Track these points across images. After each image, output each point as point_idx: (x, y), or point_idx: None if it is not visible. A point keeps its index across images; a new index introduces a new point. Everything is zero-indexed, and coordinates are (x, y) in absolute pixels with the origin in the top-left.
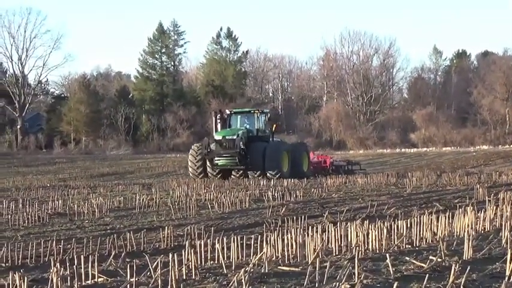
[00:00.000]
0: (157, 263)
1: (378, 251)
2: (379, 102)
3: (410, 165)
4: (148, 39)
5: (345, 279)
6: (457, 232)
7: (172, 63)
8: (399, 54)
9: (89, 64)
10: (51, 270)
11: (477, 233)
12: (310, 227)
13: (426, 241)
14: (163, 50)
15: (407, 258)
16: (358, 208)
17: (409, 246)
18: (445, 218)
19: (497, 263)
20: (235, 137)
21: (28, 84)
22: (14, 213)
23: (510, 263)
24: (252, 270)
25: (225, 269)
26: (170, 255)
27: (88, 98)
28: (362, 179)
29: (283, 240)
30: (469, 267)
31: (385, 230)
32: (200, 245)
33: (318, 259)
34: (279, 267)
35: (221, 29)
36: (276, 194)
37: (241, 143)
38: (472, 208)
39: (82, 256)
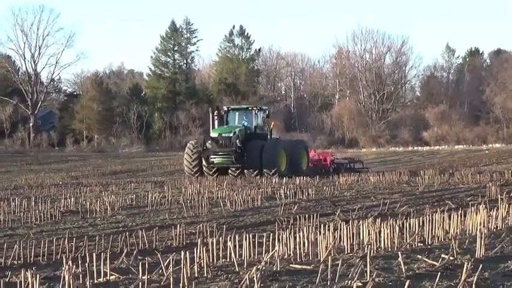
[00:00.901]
0: (169, 260)
1: (390, 249)
2: (391, 100)
3: (422, 163)
4: (160, 37)
5: (357, 278)
6: (469, 230)
7: (185, 61)
8: (412, 52)
9: (102, 62)
10: (63, 268)
11: (489, 231)
12: (322, 225)
13: (438, 239)
14: (176, 48)
15: (419, 256)
16: (370, 206)
17: (421, 244)
18: (457, 216)
19: (509, 261)
20: (231, 134)
21: (41, 82)
22: (26, 210)
23: None
24: (264, 268)
25: (237, 267)
26: (182, 253)
27: (100, 96)
28: (374, 177)
29: (295, 238)
30: (481, 266)
31: (397, 228)
32: (212, 242)
33: (329, 257)
34: (290, 265)
35: (234, 27)
36: (288, 192)
37: (237, 140)
38: (484, 206)
39: (94, 254)
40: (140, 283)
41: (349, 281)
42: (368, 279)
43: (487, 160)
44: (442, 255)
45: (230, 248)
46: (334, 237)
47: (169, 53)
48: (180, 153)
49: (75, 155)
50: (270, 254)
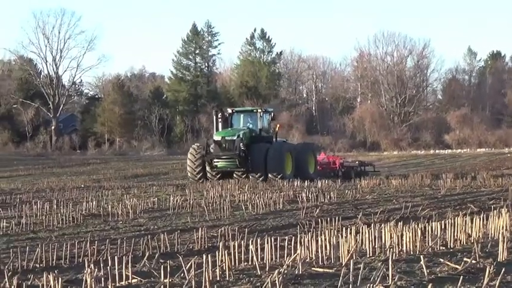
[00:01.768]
0: (191, 264)
1: (412, 253)
2: (413, 104)
3: (444, 167)
4: (182, 40)
5: (379, 281)
6: (491, 234)
7: (206, 64)
8: (433, 55)
9: (123, 65)
10: (85, 271)
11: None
12: (344, 229)
13: (460, 243)
14: (197, 51)
15: (441, 260)
16: (392, 209)
17: (443, 248)
18: (480, 220)
19: None
20: (235, 137)
21: (62, 85)
22: (48, 214)
23: None
24: (285, 271)
25: (258, 270)
26: (204, 257)
27: (122, 99)
28: (396, 181)
29: (317, 241)
30: (503, 269)
31: (419, 232)
32: (234, 246)
33: (351, 260)
34: (312, 268)
35: (255, 30)
36: (309, 196)
37: (241, 144)
38: (506, 210)
39: (116, 257)
40: (162, 286)
41: (371, 285)
42: (390, 282)
43: (509, 163)
44: (464, 259)
45: (252, 252)
46: (356, 240)
47: (190, 56)
48: None
49: (97, 158)
50: (292, 257)
